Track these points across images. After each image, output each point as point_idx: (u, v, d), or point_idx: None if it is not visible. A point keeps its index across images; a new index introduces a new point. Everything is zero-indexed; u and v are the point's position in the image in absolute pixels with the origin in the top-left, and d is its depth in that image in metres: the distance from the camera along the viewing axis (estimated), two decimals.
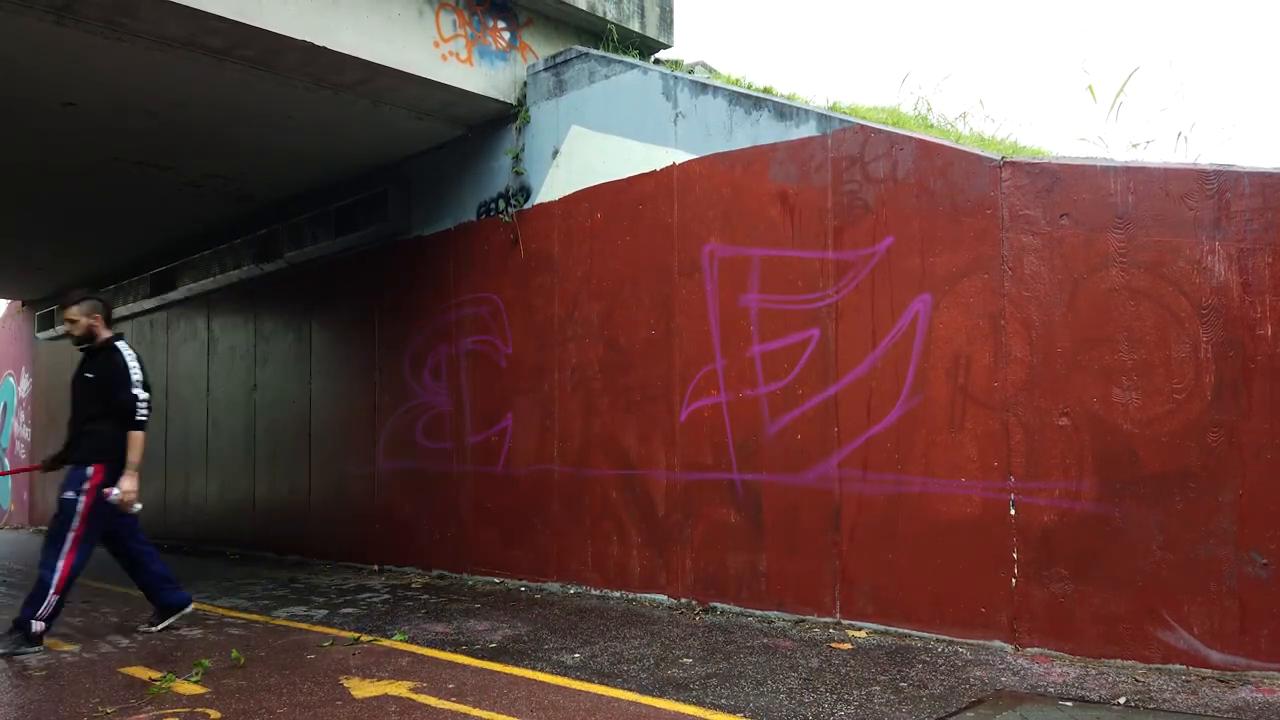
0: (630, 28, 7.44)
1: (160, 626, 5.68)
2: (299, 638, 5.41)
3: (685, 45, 32.40)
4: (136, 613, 6.45)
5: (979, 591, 4.68)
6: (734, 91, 5.89)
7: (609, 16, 7.32)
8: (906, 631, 4.92)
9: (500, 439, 7.23)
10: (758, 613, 5.55)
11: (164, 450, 12.14)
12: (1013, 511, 4.59)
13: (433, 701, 3.93)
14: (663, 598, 6.05)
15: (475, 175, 7.62)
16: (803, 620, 5.33)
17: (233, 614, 6.33)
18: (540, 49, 7.32)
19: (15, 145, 7.81)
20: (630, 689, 4.06)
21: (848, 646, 4.77)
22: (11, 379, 16.72)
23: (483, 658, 4.75)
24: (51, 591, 5.21)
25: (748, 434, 5.67)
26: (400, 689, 4.14)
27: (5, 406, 16.94)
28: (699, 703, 3.82)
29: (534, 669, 4.47)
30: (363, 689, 4.16)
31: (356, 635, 5.38)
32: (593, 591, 6.49)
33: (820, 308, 5.37)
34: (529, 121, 7.16)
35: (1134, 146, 5.16)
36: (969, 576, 4.72)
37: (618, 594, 6.34)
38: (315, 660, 4.79)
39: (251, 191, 9.34)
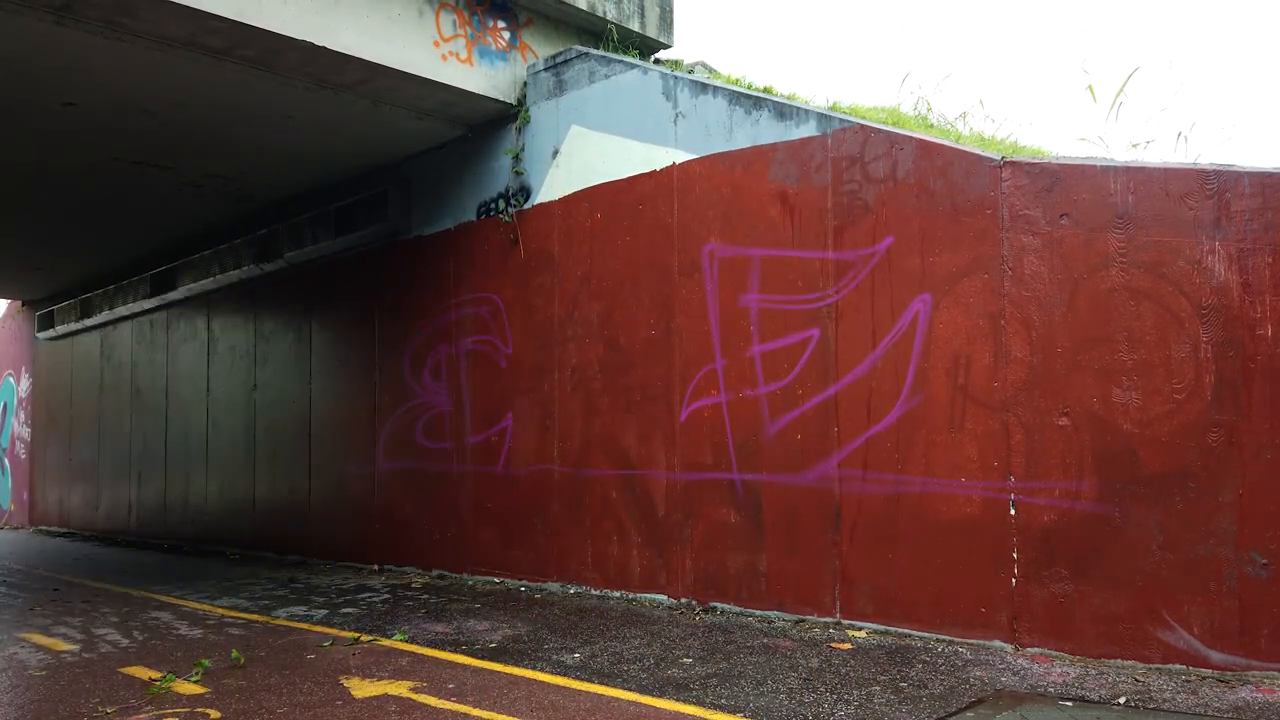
0: (630, 28, 7.44)
1: None
2: (299, 638, 5.42)
3: (685, 45, 32.43)
4: (136, 613, 6.46)
5: (979, 591, 4.68)
6: (734, 91, 5.89)
7: (609, 16, 7.31)
8: (906, 631, 4.92)
9: (500, 439, 7.23)
10: (758, 613, 5.55)
11: (164, 450, 12.15)
12: (1013, 511, 4.59)
13: (433, 701, 3.93)
14: (663, 598, 6.05)
15: (475, 175, 7.62)
16: (803, 620, 5.33)
17: (233, 614, 6.34)
18: (540, 49, 7.32)
19: (15, 145, 7.81)
20: (630, 689, 4.06)
21: (848, 646, 4.76)
22: (11, 379, 16.72)
23: (483, 658, 4.75)
24: None
25: (748, 434, 5.67)
26: (400, 689, 4.14)
27: (5, 406, 16.94)
28: (699, 703, 3.82)
29: (534, 669, 4.47)
30: (363, 689, 4.16)
31: (356, 635, 5.38)
32: (593, 591, 6.49)
33: (820, 308, 5.37)
34: (529, 121, 7.16)
35: (1134, 146, 5.17)
36: (969, 576, 4.72)
37: (618, 594, 6.34)
38: (315, 660, 4.79)
39: (251, 191, 9.34)
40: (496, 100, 7.10)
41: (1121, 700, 3.76)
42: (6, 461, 16.84)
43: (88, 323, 13.71)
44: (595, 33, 7.46)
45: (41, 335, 15.08)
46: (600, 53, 6.79)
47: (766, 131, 5.67)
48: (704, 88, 6.02)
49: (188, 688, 4.25)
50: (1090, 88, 5.37)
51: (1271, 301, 4.06)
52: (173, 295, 11.64)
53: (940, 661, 4.42)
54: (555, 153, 6.94)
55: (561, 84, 6.95)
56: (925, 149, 5.02)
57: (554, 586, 6.76)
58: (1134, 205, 4.36)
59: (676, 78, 6.20)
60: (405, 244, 8.27)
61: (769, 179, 5.63)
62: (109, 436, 13.58)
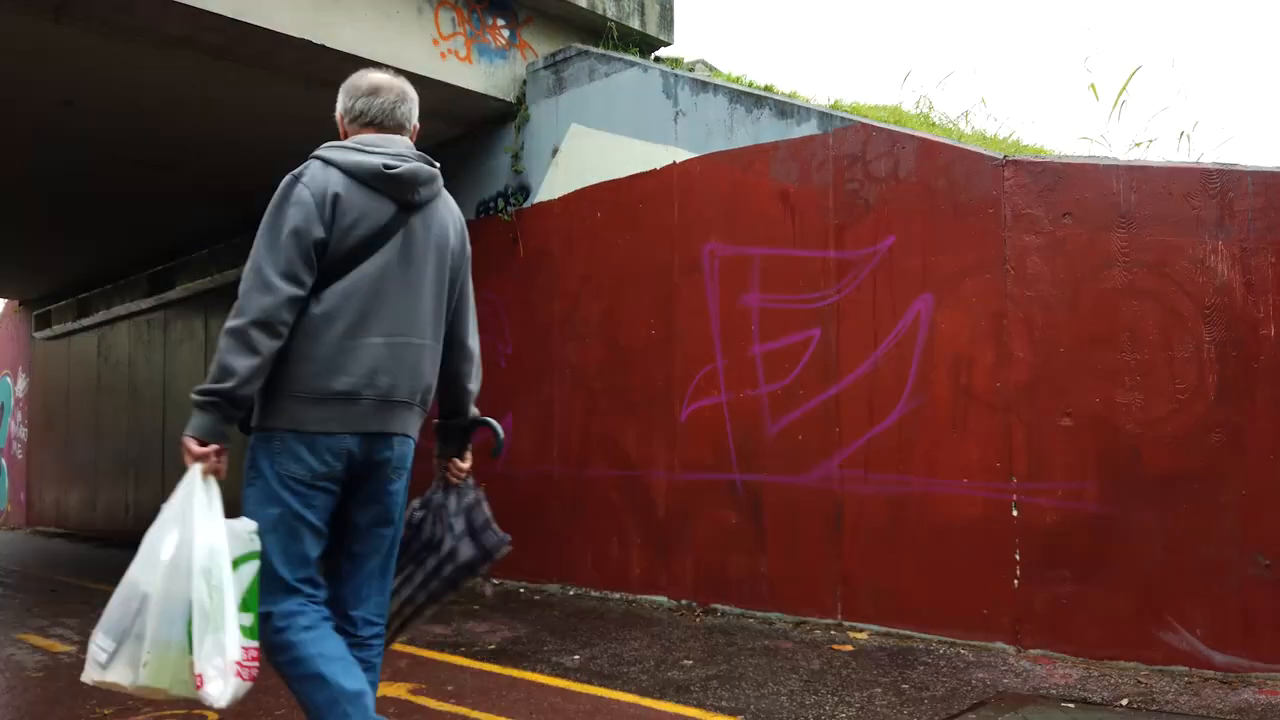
0: (630, 25, 7.41)
1: None
2: None
3: (685, 43, 32.39)
4: None
5: (981, 593, 4.66)
6: (735, 90, 5.87)
7: (609, 14, 7.29)
8: (908, 633, 4.90)
9: None
10: (759, 614, 5.53)
11: (161, 450, 12.12)
12: (1015, 512, 4.58)
13: (431, 703, 3.90)
14: (663, 599, 6.03)
15: (474, 174, 7.59)
16: (804, 622, 5.31)
17: None
18: (540, 47, 7.30)
19: (13, 144, 7.78)
20: (630, 691, 4.04)
21: (849, 648, 4.75)
22: (8, 379, 16.69)
23: (482, 659, 4.73)
24: None
25: (748, 434, 5.64)
26: (399, 691, 4.12)
27: (2, 406, 16.91)
28: (699, 705, 3.80)
29: (533, 670, 4.45)
30: None
31: None
32: (592, 592, 6.47)
33: (822, 307, 5.35)
34: (528, 120, 7.14)
35: (1136, 146, 5.15)
36: (971, 578, 4.70)
37: (618, 595, 6.32)
38: None
39: (249, 190, 9.29)
40: (496, 99, 7.08)
41: (1124, 702, 3.74)
42: (3, 461, 16.81)
43: (85, 322, 13.68)
44: (595, 31, 7.44)
45: (39, 335, 15.05)
46: (600, 51, 6.77)
47: (767, 130, 5.64)
48: (704, 86, 6.00)
49: None
50: (1093, 86, 5.36)
51: (1275, 301, 4.04)
52: (170, 295, 11.62)
53: (942, 663, 4.40)
54: (555, 151, 6.91)
55: (561, 82, 6.93)
56: (927, 148, 5.00)
57: (553, 587, 6.74)
58: (1137, 204, 4.34)
59: (677, 76, 6.18)
60: None
61: (770, 178, 5.61)
62: (106, 436, 13.55)
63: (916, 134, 5.09)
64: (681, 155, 6.09)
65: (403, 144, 2.47)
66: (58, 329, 14.42)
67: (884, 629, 4.99)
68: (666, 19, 7.66)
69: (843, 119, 5.34)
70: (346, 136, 2.53)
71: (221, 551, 2.19)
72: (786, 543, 5.43)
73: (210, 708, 2.20)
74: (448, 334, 2.70)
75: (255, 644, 2.22)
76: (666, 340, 6.12)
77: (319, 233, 2.26)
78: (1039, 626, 4.48)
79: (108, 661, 2.18)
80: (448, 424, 2.93)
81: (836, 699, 3.85)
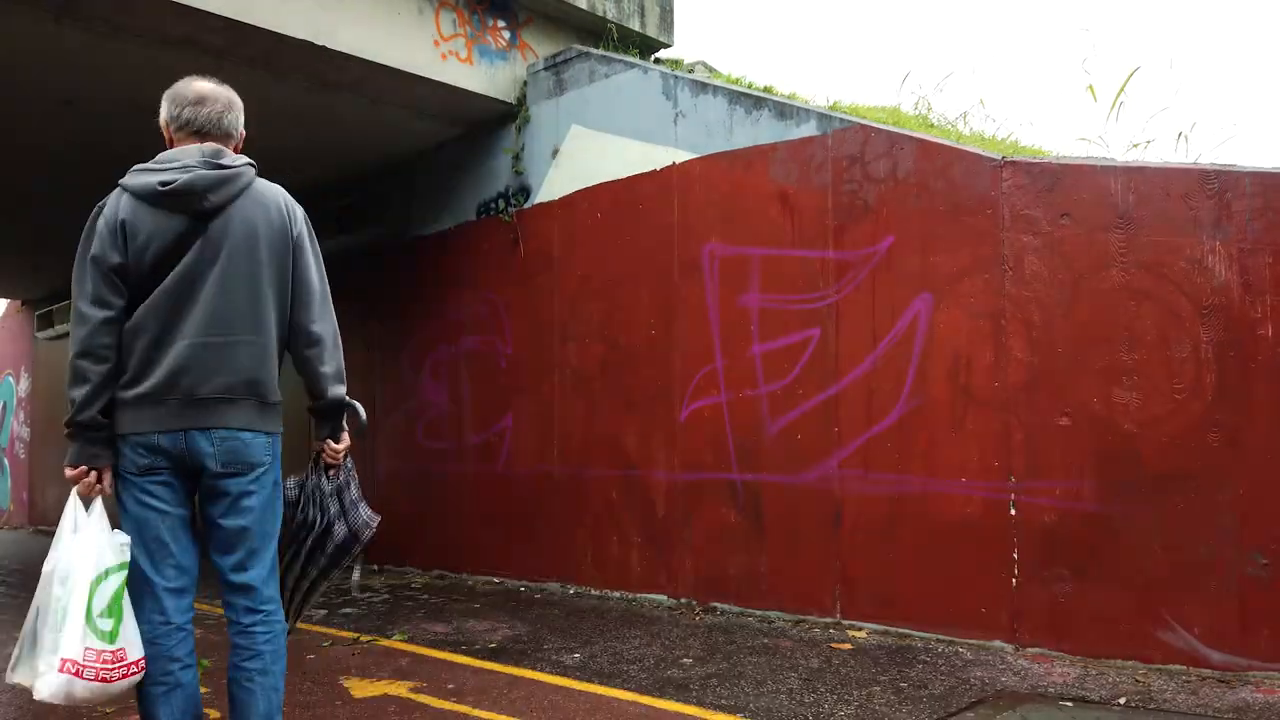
0: (630, 27, 7.43)
1: None
2: (298, 637, 5.41)
3: (685, 45, 32.39)
4: None
5: (980, 591, 4.67)
6: (734, 91, 5.88)
7: (609, 16, 7.31)
8: (907, 631, 4.91)
9: (500, 439, 7.22)
10: (758, 613, 5.54)
11: None
12: (1013, 511, 4.59)
13: (432, 702, 3.92)
14: (663, 598, 6.05)
15: (475, 175, 7.61)
16: (803, 620, 5.32)
17: None
18: (540, 48, 7.31)
19: (14, 144, 7.80)
20: (630, 689, 4.06)
21: (848, 647, 4.76)
22: (11, 379, 16.71)
23: (482, 658, 4.74)
24: None
25: (748, 434, 5.66)
26: (400, 689, 4.14)
27: (4, 406, 16.93)
28: (699, 703, 3.82)
29: (534, 669, 4.46)
30: (362, 689, 4.16)
31: (356, 635, 5.37)
32: (593, 591, 6.49)
33: (821, 307, 5.36)
34: (529, 121, 7.15)
35: (1134, 146, 5.17)
36: (970, 576, 4.71)
37: (618, 594, 6.33)
38: (315, 660, 4.79)
39: None
40: (496, 100, 7.09)
41: (1122, 700, 3.76)
42: (5, 461, 16.83)
43: None
44: (595, 32, 7.45)
45: (41, 335, 15.07)
46: (600, 52, 6.78)
47: (767, 131, 5.66)
48: (704, 87, 6.02)
49: None
50: (1090, 88, 5.38)
51: (1272, 301, 4.05)
52: None
53: (940, 662, 4.42)
54: (555, 152, 6.93)
55: (561, 83, 6.94)
56: (926, 149, 5.01)
57: (554, 586, 6.75)
58: (1134, 205, 4.36)
59: (677, 77, 6.19)
60: (405, 244, 8.26)
61: (769, 178, 5.63)
62: None
63: (915, 135, 5.10)
64: (681, 156, 6.10)
65: (197, 154, 2.63)
66: (60, 329, 14.42)
67: (883, 627, 5.01)
68: (666, 20, 7.67)
69: (842, 120, 5.36)
70: (172, 144, 2.77)
71: (81, 560, 2.40)
72: (786, 542, 5.45)
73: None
74: (291, 321, 2.83)
75: (112, 647, 2.39)
76: (666, 340, 6.14)
77: (115, 259, 2.46)
78: (1037, 625, 4.49)
79: (14, 665, 2.43)
80: (311, 407, 3.14)
81: (835, 697, 3.86)
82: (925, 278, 4.95)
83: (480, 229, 7.55)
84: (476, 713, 3.75)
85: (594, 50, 6.83)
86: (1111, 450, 4.34)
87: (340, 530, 2.94)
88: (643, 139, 6.33)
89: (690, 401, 5.97)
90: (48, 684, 2.30)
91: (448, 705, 3.87)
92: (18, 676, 2.41)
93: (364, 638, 5.30)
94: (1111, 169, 4.45)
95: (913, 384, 4.97)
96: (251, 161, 2.69)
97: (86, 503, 2.50)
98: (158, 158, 2.64)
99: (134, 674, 2.46)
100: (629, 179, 6.41)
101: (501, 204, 7.35)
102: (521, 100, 7.20)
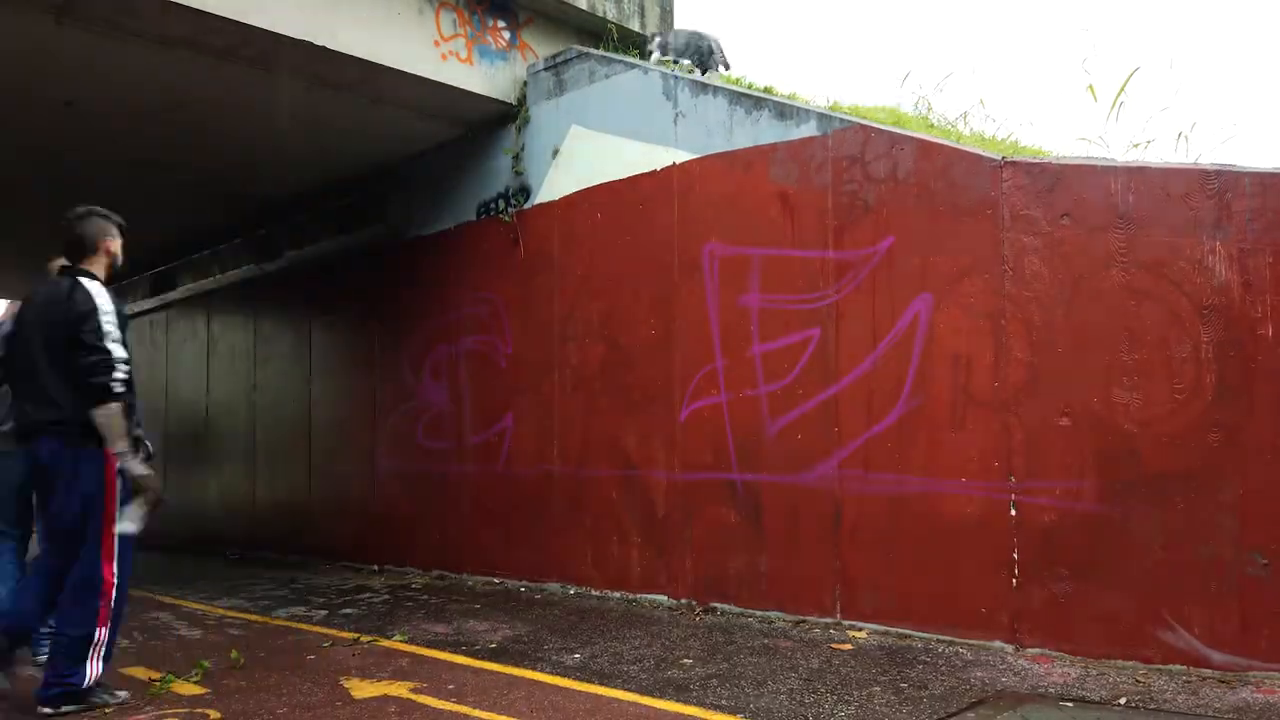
0: (630, 27, 7.44)
1: None
2: (299, 638, 5.41)
3: None
4: (136, 613, 6.44)
5: (980, 592, 4.67)
6: (734, 91, 5.88)
7: (609, 16, 7.31)
8: (907, 632, 4.91)
9: (500, 439, 7.22)
10: (758, 613, 5.54)
11: (162, 450, 12.12)
12: (1013, 511, 4.59)
13: (432, 702, 3.92)
14: (663, 598, 6.04)
15: (475, 175, 7.61)
16: (803, 621, 5.32)
17: (232, 614, 6.33)
18: (540, 48, 7.32)
19: (15, 144, 7.80)
20: (630, 689, 4.06)
21: (848, 647, 4.76)
22: None
23: (483, 658, 4.74)
24: None
25: (748, 434, 5.66)
26: (400, 689, 4.13)
27: None
28: (699, 703, 3.81)
29: (534, 669, 4.46)
30: (362, 689, 4.15)
31: (356, 636, 5.37)
32: (593, 592, 6.49)
33: (821, 307, 5.36)
34: (529, 121, 7.15)
35: (1134, 146, 5.16)
36: (970, 577, 4.71)
37: (618, 594, 6.33)
38: (315, 661, 4.78)
39: (251, 191, 9.33)
40: (496, 100, 7.09)
41: (1122, 701, 3.75)
42: None
43: None
44: (595, 32, 7.46)
45: None
46: (600, 52, 6.78)
47: (767, 131, 5.66)
48: (704, 88, 6.02)
49: (188, 688, 4.24)
50: (1091, 88, 5.37)
51: (1272, 301, 4.05)
52: (172, 295, 11.64)
53: (940, 662, 4.41)
54: (555, 153, 6.93)
55: (561, 84, 6.94)
56: (926, 149, 5.01)
57: (554, 587, 6.75)
58: (1135, 205, 4.36)
59: (677, 78, 6.19)
60: (405, 244, 8.26)
61: (769, 179, 5.62)
62: None
63: (915, 135, 5.10)
64: (681, 156, 6.10)
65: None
66: None
67: (883, 628, 5.00)
68: (667, 21, 7.68)
69: (842, 120, 5.35)
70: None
71: None
72: (786, 542, 5.45)
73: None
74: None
75: None
76: (666, 340, 6.14)
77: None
78: (1037, 625, 4.49)
79: None
80: None
81: (835, 697, 3.86)
82: (925, 278, 4.95)
83: (480, 229, 7.55)
84: (477, 713, 3.75)
85: (594, 51, 6.83)
86: (1111, 450, 4.34)
87: None
88: (643, 139, 6.33)
89: (690, 401, 5.97)
90: None
91: (448, 706, 3.86)
92: None
93: (364, 638, 5.30)
94: (1112, 169, 4.44)
95: (913, 384, 4.96)
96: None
97: None
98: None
99: None
100: (629, 179, 6.41)
101: (501, 204, 7.35)
102: (521, 100, 7.20)
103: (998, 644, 4.59)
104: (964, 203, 4.84)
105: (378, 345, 8.54)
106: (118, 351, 3.76)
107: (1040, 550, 4.50)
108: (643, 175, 6.32)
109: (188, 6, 5.49)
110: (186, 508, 11.57)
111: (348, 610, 6.32)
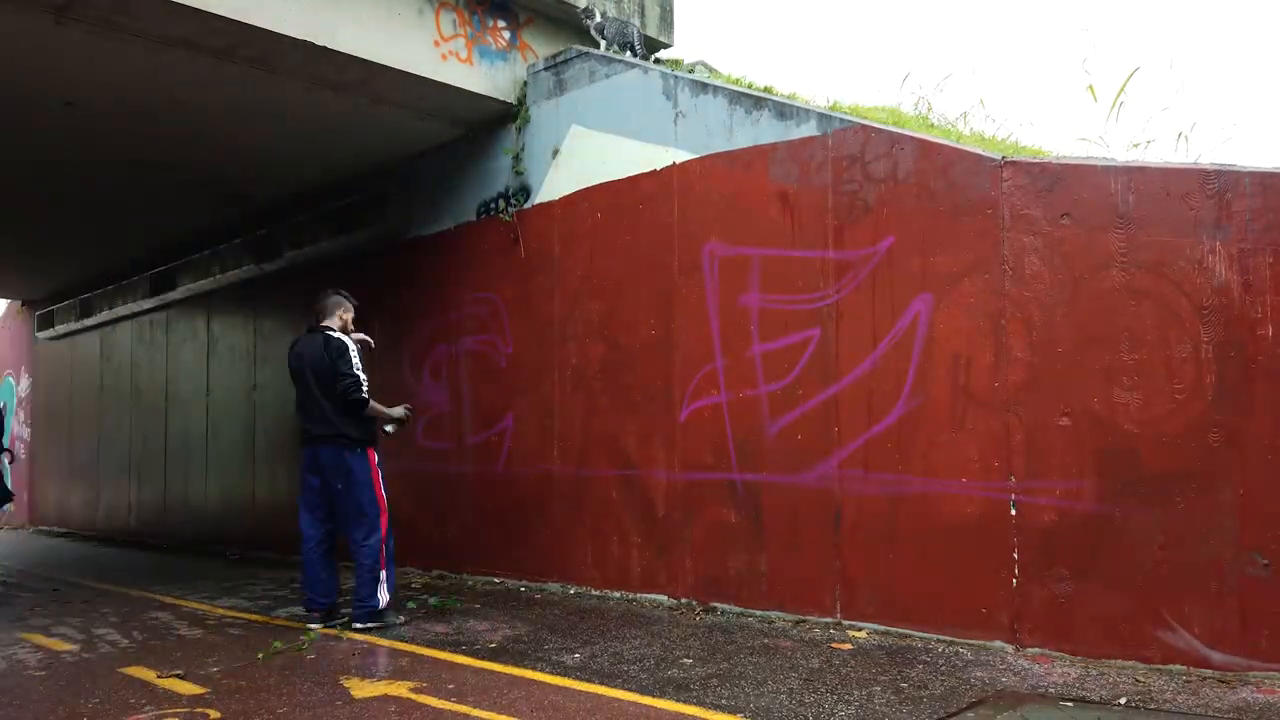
0: None
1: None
2: (299, 638, 5.41)
3: (685, 45, 32.37)
4: (136, 613, 6.45)
5: (980, 592, 4.67)
6: (734, 91, 5.88)
7: (609, 16, 7.30)
8: (907, 632, 4.91)
9: (500, 439, 7.22)
10: (758, 613, 5.54)
11: (163, 450, 12.14)
12: (1013, 511, 4.59)
13: (433, 702, 3.92)
14: (663, 598, 6.05)
15: (475, 175, 7.61)
16: (803, 620, 5.32)
17: (233, 614, 6.33)
18: (540, 48, 7.32)
19: (15, 145, 7.80)
20: (630, 689, 4.06)
21: (848, 647, 4.76)
22: (11, 379, 16.71)
23: (483, 658, 4.74)
24: None
25: (748, 434, 5.66)
26: (400, 689, 4.14)
27: (5, 406, 16.93)
28: (699, 703, 3.82)
29: (534, 669, 4.46)
30: (363, 689, 4.16)
31: (357, 636, 5.37)
32: (593, 591, 6.49)
33: (821, 307, 5.36)
34: (529, 121, 7.15)
35: (1134, 146, 5.17)
36: (970, 577, 4.71)
37: (618, 594, 6.33)
38: (315, 660, 4.79)
39: (251, 191, 9.33)
40: (497, 100, 7.09)
41: (1122, 700, 3.75)
42: (7, 461, 16.83)
43: (87, 323, 13.69)
44: None
45: (41, 335, 15.07)
46: (600, 52, 6.78)
47: (767, 131, 5.66)
48: (704, 87, 6.02)
49: (188, 688, 4.24)
50: (1091, 88, 5.38)
51: (1272, 301, 4.05)
52: (172, 295, 11.63)
53: (941, 662, 4.42)
54: (555, 152, 6.93)
55: (561, 83, 6.94)
56: (926, 149, 5.01)
57: (554, 586, 6.75)
58: (1135, 205, 4.36)
59: (677, 77, 6.19)
60: (405, 244, 8.27)
61: (769, 179, 5.63)
62: (108, 436, 13.57)
63: (915, 135, 5.10)
64: (681, 156, 6.10)
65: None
66: (60, 329, 14.43)
67: (883, 628, 5.01)
68: (667, 21, 7.67)
69: (842, 120, 5.35)
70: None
71: None
72: (786, 542, 5.45)
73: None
74: None
75: None
76: (666, 340, 6.14)
77: None
78: (1037, 625, 4.49)
79: None
80: None
81: (836, 697, 3.86)
82: (925, 278, 4.95)
83: (480, 229, 7.55)
84: (477, 713, 3.75)
85: (594, 50, 6.83)
86: (1111, 450, 4.34)
87: None
88: (643, 139, 6.33)
89: (690, 401, 5.97)
90: None
91: (448, 705, 3.87)
92: None
93: (364, 638, 5.30)
94: (1112, 169, 4.45)
95: (913, 384, 4.97)
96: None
97: None
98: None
99: None
100: (629, 179, 6.41)
101: (501, 204, 7.35)
102: (521, 100, 7.20)
103: (998, 644, 4.60)
104: (964, 202, 4.84)
105: (378, 345, 8.53)
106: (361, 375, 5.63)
107: (1040, 550, 4.50)
108: (643, 175, 6.32)
109: (188, 6, 5.49)
110: (187, 508, 11.58)
111: (348, 610, 6.31)
